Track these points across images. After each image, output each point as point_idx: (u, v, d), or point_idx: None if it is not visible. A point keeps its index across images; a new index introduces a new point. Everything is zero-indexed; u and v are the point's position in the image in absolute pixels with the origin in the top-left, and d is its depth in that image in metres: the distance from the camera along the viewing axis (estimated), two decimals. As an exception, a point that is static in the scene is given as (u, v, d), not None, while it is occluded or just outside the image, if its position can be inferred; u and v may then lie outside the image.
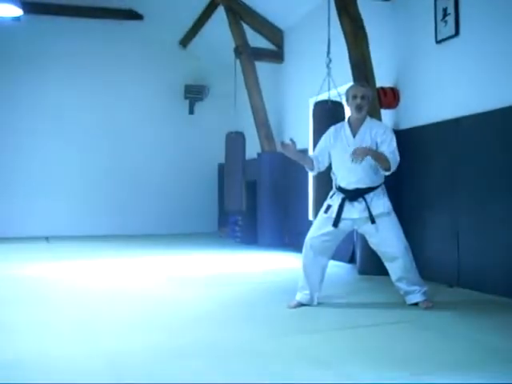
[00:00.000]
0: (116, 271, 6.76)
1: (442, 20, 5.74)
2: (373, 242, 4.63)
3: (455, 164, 5.57)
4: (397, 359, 3.17)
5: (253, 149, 9.77)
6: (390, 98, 6.43)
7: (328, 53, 6.38)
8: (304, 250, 4.65)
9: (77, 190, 11.83)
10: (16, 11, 9.06)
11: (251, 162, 9.73)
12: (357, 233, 6.38)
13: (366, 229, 4.57)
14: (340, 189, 4.60)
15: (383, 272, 6.11)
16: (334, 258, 7.28)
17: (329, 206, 4.60)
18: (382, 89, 6.42)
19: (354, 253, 6.96)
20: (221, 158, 10.64)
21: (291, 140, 4.49)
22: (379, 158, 4.42)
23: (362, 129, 4.57)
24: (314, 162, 4.68)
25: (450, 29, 5.65)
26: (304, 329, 3.93)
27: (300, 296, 4.61)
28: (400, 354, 3.27)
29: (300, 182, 8.68)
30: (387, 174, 4.51)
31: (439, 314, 4.33)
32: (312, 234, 4.63)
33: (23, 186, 11.55)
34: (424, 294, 4.59)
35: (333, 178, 4.73)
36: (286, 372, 2.95)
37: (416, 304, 4.55)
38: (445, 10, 5.69)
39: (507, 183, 4.95)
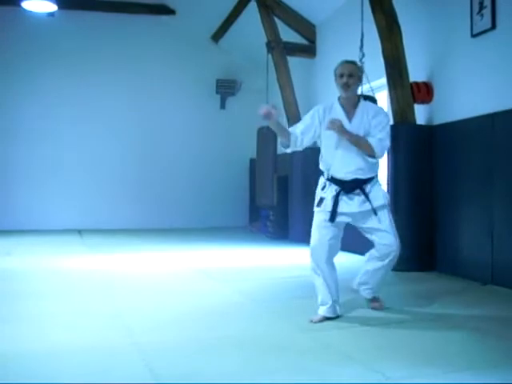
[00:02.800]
0: (148, 265, 6.82)
1: (478, 13, 5.65)
2: (373, 236, 4.18)
3: (490, 160, 5.48)
4: (428, 357, 3.13)
5: (284, 144, 9.71)
6: (423, 92, 6.35)
7: (361, 47, 6.32)
8: (316, 262, 4.11)
9: (109, 184, 11.95)
10: (51, 7, 9.21)
11: (283, 156, 9.70)
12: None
13: (366, 222, 4.11)
14: (334, 180, 4.10)
15: (416, 268, 6.08)
16: (357, 252, 7.26)
17: (321, 199, 4.12)
18: (416, 83, 6.35)
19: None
20: (252, 153, 10.64)
21: (273, 107, 4.00)
22: (359, 143, 4.01)
23: (358, 112, 4.12)
24: (292, 138, 4.16)
25: (486, 22, 5.55)
26: (332, 325, 3.90)
27: (324, 310, 4.08)
28: (431, 352, 3.23)
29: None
30: (373, 160, 4.09)
31: (472, 311, 4.27)
32: (319, 241, 4.09)
33: (57, 179, 11.71)
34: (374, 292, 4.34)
35: (322, 166, 4.22)
36: (316, 367, 2.93)
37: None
38: (481, 3, 5.59)
39: (544, 180, 4.87)
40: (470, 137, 5.77)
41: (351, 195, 4.06)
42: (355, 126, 4.06)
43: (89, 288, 5.30)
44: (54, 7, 9.22)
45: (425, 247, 6.20)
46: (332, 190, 4.08)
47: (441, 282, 5.60)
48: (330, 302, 4.06)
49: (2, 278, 5.83)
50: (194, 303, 4.65)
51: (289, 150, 4.32)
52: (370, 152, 4.02)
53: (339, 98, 4.20)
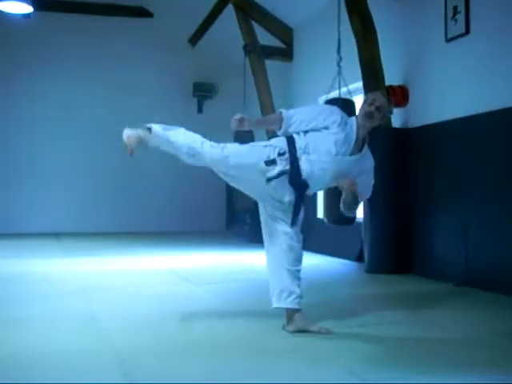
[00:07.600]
0: (124, 268, 6.77)
1: (452, 18, 5.72)
2: None
3: (464, 163, 5.54)
4: (401, 358, 3.14)
5: (261, 147, 9.72)
6: (399, 96, 6.40)
7: (339, 51, 6.37)
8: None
9: (86, 187, 11.87)
10: (26, 8, 9.12)
11: (260, 160, 9.70)
12: (365, 230, 6.38)
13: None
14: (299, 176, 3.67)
15: (391, 270, 6.13)
16: (340, 255, 7.30)
17: (273, 161, 3.72)
18: (391, 87, 6.40)
19: (361, 250, 6.93)
20: (229, 157, 10.61)
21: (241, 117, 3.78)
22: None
23: (364, 151, 3.76)
24: (284, 123, 3.73)
25: (460, 27, 5.62)
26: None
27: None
28: (405, 353, 3.24)
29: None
30: (347, 213, 3.70)
31: (445, 313, 4.31)
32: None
33: (33, 181, 11.60)
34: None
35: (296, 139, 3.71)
36: (291, 369, 2.93)
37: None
38: (455, 8, 5.66)
39: (517, 182, 4.93)
40: (445, 140, 5.84)
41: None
42: (354, 159, 3.69)
43: (63, 291, 5.25)
44: (29, 9, 9.13)
45: (400, 249, 6.25)
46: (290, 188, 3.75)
47: (415, 284, 5.64)
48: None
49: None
50: (169, 306, 4.62)
51: (280, 133, 3.84)
52: (353, 208, 3.67)
53: (356, 118, 3.78)
